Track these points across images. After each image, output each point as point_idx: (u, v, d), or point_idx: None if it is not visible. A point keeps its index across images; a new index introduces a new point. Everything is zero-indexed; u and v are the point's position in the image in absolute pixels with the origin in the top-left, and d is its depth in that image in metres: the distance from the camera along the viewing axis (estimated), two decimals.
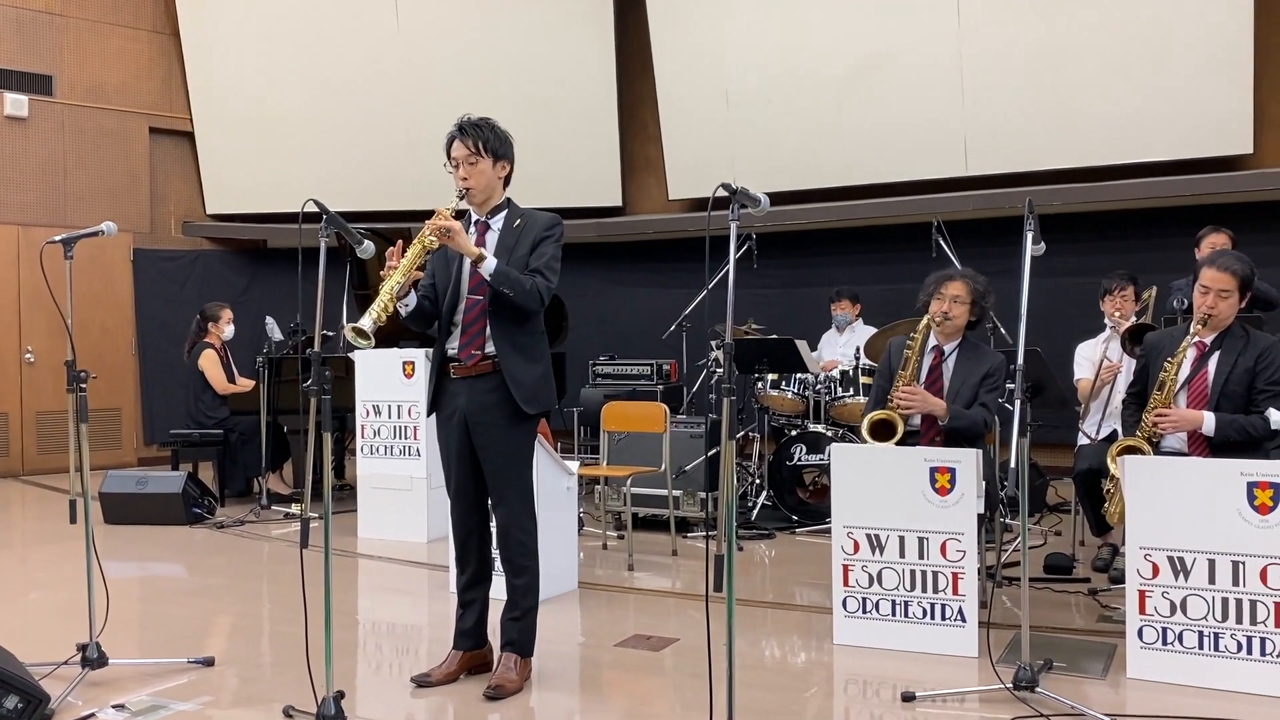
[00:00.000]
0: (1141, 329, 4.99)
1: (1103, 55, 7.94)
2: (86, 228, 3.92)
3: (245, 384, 7.73)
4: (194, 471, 7.50)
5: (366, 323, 3.25)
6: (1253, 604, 3.51)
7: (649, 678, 3.89)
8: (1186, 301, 4.91)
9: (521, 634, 3.65)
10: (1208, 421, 4.11)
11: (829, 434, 6.41)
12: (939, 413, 4.40)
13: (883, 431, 4.40)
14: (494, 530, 3.73)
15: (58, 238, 3.82)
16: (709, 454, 6.24)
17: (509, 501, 3.61)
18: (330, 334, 8.10)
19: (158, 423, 10.05)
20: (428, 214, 3.46)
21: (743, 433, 7.41)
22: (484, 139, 3.56)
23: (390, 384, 6.35)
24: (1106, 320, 5.61)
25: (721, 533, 2.74)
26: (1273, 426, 4.11)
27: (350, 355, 7.01)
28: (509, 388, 3.54)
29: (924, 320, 4.50)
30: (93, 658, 3.70)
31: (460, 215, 3.58)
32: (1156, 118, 7.84)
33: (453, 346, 3.61)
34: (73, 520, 3.79)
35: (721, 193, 2.90)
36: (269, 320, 7.96)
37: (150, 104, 10.33)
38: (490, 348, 3.57)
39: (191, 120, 10.47)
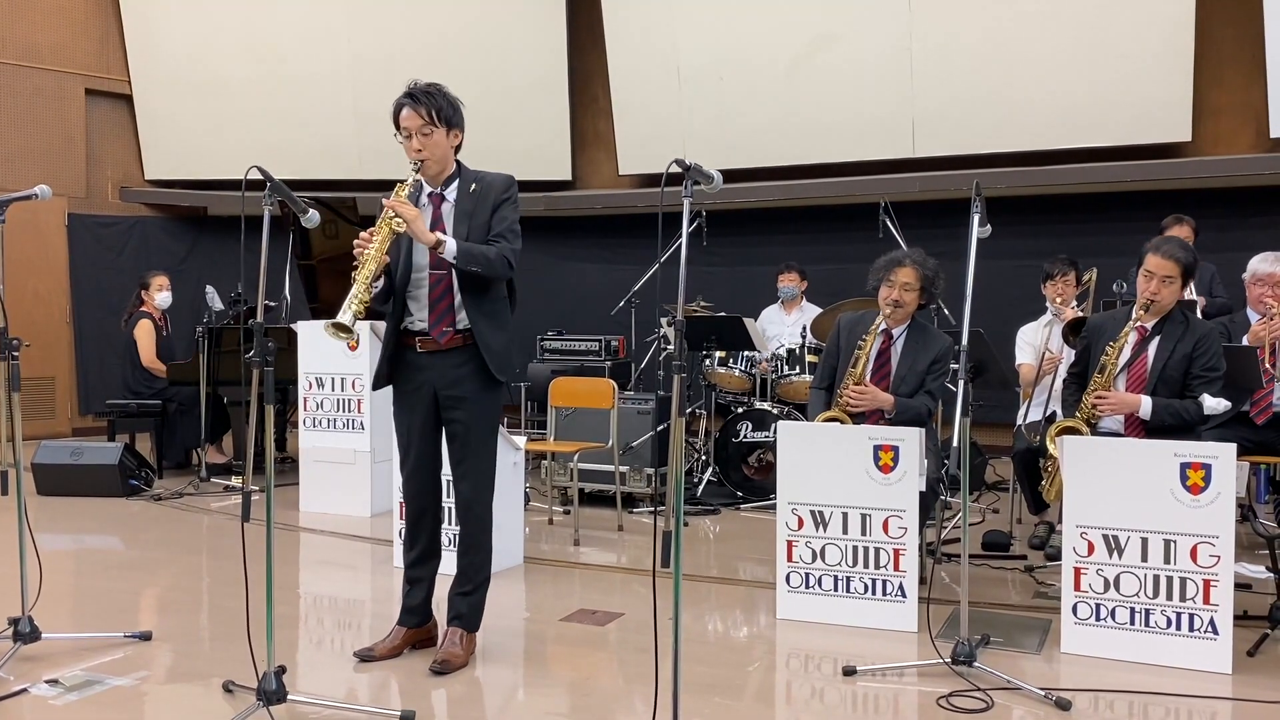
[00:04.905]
0: (1082, 321, 5.08)
1: (1049, 42, 8.05)
2: (19, 191, 3.82)
3: (158, 367, 7.50)
4: (131, 442, 7.35)
5: (347, 317, 3.18)
6: (1183, 581, 3.61)
7: (594, 652, 3.90)
8: (1126, 286, 5.01)
9: (471, 609, 3.64)
10: (1144, 405, 4.21)
11: (775, 411, 6.46)
12: (886, 407, 4.45)
13: None
14: (450, 507, 3.69)
15: None
16: (656, 430, 6.26)
17: (473, 476, 3.57)
18: (273, 304, 7.97)
19: (93, 392, 9.84)
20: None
21: (690, 410, 7.43)
22: (437, 107, 3.44)
23: (334, 356, 6.25)
24: (1048, 304, 5.70)
25: (671, 508, 2.73)
26: (1205, 411, 4.23)
27: (293, 326, 6.90)
28: (482, 357, 3.49)
29: (877, 320, 4.51)
30: (25, 632, 3.63)
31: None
32: (1100, 104, 7.97)
33: (420, 322, 3.53)
34: (4, 492, 3.70)
35: (675, 168, 2.85)
36: (209, 289, 7.79)
37: (86, 64, 10.02)
38: (463, 321, 3.51)
39: (130, 82, 10.19)
